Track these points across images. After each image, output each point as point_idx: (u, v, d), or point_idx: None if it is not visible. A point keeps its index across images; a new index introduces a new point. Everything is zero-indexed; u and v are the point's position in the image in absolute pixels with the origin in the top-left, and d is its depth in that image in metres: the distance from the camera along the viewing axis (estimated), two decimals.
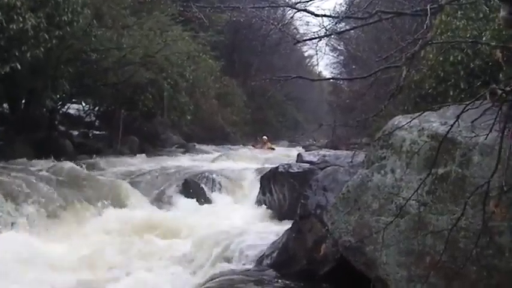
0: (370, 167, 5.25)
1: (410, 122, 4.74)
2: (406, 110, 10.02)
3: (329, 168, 7.94)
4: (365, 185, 5.19)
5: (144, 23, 19.59)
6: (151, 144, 24.69)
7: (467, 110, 4.09)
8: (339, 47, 31.86)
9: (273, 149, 26.47)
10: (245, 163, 17.95)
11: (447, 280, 4.42)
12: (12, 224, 9.19)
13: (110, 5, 17.41)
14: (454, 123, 4.06)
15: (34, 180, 10.81)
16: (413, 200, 4.46)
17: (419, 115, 4.70)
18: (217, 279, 6.43)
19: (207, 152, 24.75)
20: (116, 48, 17.32)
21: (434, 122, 4.96)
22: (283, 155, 21.66)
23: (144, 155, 20.43)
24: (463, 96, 8.53)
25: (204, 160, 20.26)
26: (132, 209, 11.36)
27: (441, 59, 9.22)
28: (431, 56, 9.57)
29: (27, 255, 7.65)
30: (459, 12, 9.42)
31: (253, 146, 28.74)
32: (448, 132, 4.22)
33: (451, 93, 9.09)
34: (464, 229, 4.35)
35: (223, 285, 6.10)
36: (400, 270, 4.71)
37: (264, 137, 27.82)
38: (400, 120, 5.24)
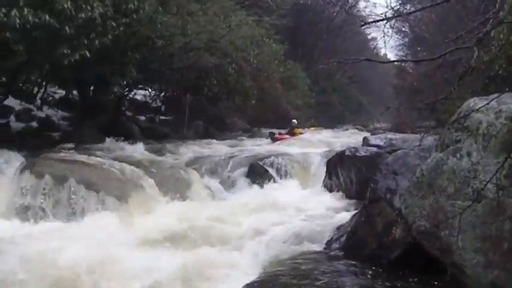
0: (444, 151, 5.14)
1: (487, 104, 4.59)
2: (476, 92, 9.76)
3: (399, 151, 7.81)
4: (440, 169, 5.09)
5: (209, 9, 19.66)
6: (217, 128, 24.87)
7: None
8: (403, 29, 31.22)
9: (301, 133, 23.12)
10: (311, 147, 17.88)
11: None
12: (85, 209, 9.46)
13: None
14: None
15: (103, 165, 11.04)
16: (491, 184, 4.34)
17: (497, 97, 4.55)
18: (286, 262, 6.45)
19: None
20: (181, 34, 17.44)
21: None
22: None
23: (209, 139, 20.62)
24: None
25: (269, 144, 20.28)
26: (197, 192, 11.48)
27: None
28: (501, 36, 9.26)
29: (102, 240, 7.82)
30: None
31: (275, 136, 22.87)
32: None
33: None
34: None
35: (293, 267, 6.11)
36: (477, 256, 4.62)
37: (294, 120, 24.29)
38: (475, 102, 5.10)
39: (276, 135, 22.50)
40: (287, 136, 21.95)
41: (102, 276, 6.35)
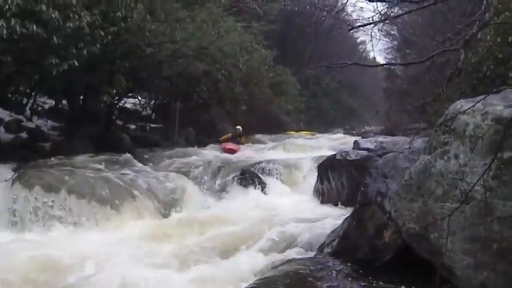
0: (432, 153, 5.16)
1: (473, 106, 4.61)
2: (464, 93, 9.80)
3: (389, 154, 7.83)
4: (428, 171, 5.10)
5: (197, 16, 19.72)
6: (208, 135, 24.86)
7: None
8: (392, 32, 31.36)
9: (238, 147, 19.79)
10: (302, 152, 17.91)
11: None
12: (76, 219, 9.45)
13: None
14: None
15: (94, 175, 11.00)
16: (478, 185, 4.36)
17: (483, 99, 4.57)
18: (278, 268, 6.43)
19: (263, 142, 24.73)
20: (170, 41, 17.47)
21: (498, 105, 4.83)
22: None
23: (200, 146, 20.61)
24: None
25: (260, 149, 20.28)
26: (190, 201, 11.47)
27: (499, 39, 8.98)
28: (488, 37, 9.32)
29: (92, 252, 7.80)
30: None
31: (223, 145, 19.90)
32: None
33: (511, 75, 8.84)
34: None
35: (285, 273, 6.08)
36: (467, 258, 4.63)
37: (238, 127, 20.93)
38: (462, 104, 5.12)
39: (225, 146, 19.48)
40: (236, 147, 19.30)
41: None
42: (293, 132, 31.53)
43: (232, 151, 18.63)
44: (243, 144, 20.46)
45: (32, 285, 6.45)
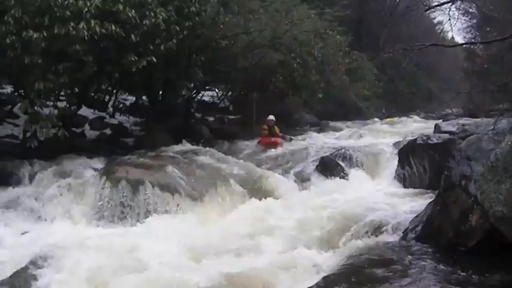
0: None
1: None
2: None
3: (472, 136, 7.63)
4: None
5: (270, 5, 19.67)
6: (285, 124, 24.80)
7: None
8: (470, 10, 30.41)
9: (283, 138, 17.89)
10: (381, 137, 17.71)
11: None
12: (161, 212, 9.70)
13: None
14: None
15: (176, 168, 11.23)
16: None
17: None
18: (363, 254, 6.43)
19: (340, 129, 24.58)
20: (244, 33, 17.54)
21: None
22: None
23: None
24: None
25: (339, 137, 20.19)
26: (270, 190, 11.52)
27: None
28: None
29: (178, 245, 7.97)
30: None
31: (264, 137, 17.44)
32: None
33: None
34: None
35: (370, 259, 6.10)
36: None
37: (271, 117, 17.95)
38: None
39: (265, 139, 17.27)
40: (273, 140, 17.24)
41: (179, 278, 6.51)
42: (376, 119, 31.26)
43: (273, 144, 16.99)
44: (280, 138, 17.75)
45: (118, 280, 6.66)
